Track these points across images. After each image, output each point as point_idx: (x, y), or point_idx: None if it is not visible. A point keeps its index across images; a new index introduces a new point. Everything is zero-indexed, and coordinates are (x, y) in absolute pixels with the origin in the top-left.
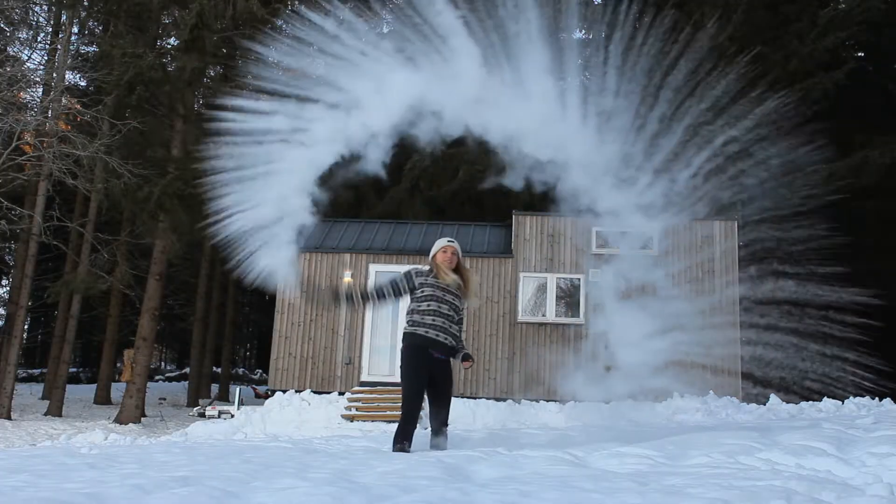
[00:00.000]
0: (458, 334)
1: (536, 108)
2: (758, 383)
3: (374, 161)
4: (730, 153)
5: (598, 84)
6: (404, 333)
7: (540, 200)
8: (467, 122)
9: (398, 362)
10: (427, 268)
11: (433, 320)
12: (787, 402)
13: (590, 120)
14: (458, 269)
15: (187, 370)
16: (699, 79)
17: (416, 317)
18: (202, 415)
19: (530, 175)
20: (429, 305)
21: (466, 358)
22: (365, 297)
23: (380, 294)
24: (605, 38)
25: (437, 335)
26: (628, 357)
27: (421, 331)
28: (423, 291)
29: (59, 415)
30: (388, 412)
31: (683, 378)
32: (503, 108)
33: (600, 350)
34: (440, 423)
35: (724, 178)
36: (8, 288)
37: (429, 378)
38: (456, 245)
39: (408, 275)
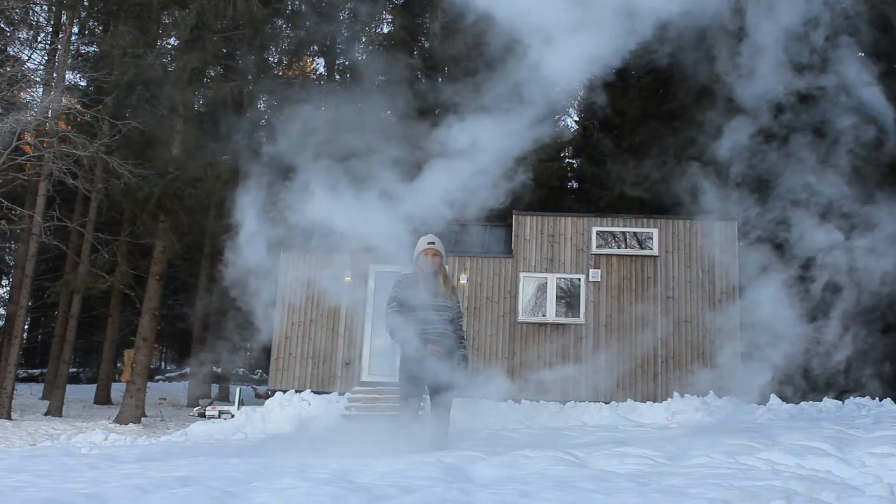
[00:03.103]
0: (453, 334)
1: None
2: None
3: None
4: None
5: None
6: None
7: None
8: None
9: (398, 363)
10: (410, 272)
11: (424, 328)
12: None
13: None
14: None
15: (187, 370)
16: None
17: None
18: (202, 415)
19: None
20: (416, 315)
21: (460, 360)
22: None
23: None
24: None
25: (429, 338)
26: None
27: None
28: (412, 301)
29: (59, 415)
30: (389, 412)
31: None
32: None
33: None
34: (441, 423)
35: None
36: (8, 288)
37: (430, 380)
38: (438, 245)
39: (397, 299)
